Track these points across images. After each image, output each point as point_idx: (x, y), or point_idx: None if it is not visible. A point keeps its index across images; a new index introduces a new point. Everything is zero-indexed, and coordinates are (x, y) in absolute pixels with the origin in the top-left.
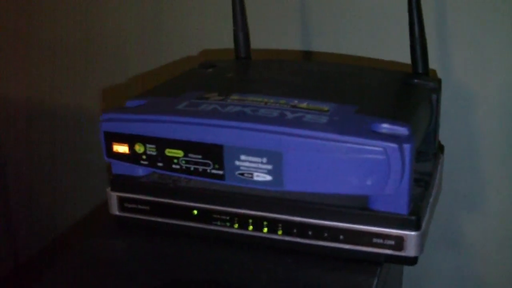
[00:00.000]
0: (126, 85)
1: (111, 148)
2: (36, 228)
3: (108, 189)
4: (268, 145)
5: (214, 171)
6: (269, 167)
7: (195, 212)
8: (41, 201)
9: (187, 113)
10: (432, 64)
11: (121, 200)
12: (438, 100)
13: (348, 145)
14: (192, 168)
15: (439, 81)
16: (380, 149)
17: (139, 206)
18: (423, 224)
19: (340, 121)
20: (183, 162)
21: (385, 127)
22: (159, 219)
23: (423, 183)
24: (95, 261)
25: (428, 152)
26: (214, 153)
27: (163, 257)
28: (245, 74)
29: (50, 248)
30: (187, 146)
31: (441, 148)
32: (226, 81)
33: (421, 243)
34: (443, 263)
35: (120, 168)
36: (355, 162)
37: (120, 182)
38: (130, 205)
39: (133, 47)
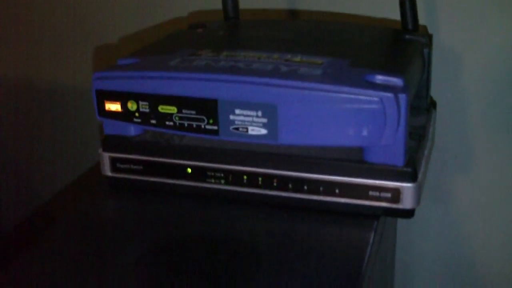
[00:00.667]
0: (116, 45)
1: (103, 106)
2: (23, 193)
3: (100, 150)
4: (263, 98)
5: (208, 127)
6: (264, 120)
7: (189, 170)
8: (31, 166)
9: (179, 68)
10: (422, 21)
11: (113, 161)
12: (429, 55)
13: (344, 95)
14: (186, 124)
15: (430, 36)
16: (376, 99)
17: (132, 166)
18: (419, 176)
19: (335, 73)
20: (177, 118)
21: (380, 78)
22: (153, 179)
23: (417, 136)
24: (89, 224)
25: (420, 107)
26: (208, 108)
27: (157, 217)
28: (236, 32)
29: (41, 213)
30: (180, 102)
31: (433, 103)
32: (218, 39)
33: (418, 195)
34: (434, 219)
35: (112, 128)
36: (351, 112)
37: (112, 142)
38: (122, 165)
39: (122, 8)
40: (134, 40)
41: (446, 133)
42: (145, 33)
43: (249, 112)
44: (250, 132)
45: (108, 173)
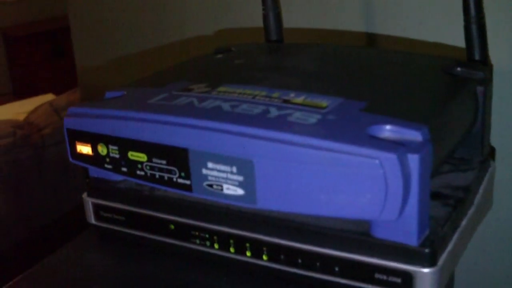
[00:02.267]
0: (138, 58)
1: (75, 148)
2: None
3: (85, 195)
4: (237, 151)
5: (180, 180)
6: (240, 178)
7: (172, 226)
8: None
9: (152, 109)
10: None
11: (97, 208)
12: (486, 94)
13: (332, 153)
14: (157, 176)
15: (489, 69)
16: (374, 160)
17: (115, 216)
18: (443, 258)
19: (333, 121)
20: (148, 167)
21: (389, 129)
22: (135, 232)
23: (452, 201)
24: (68, 279)
25: (472, 159)
26: (179, 158)
27: (139, 277)
28: (255, 60)
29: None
30: (150, 149)
31: (492, 153)
32: (228, 68)
33: (439, 282)
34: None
35: (96, 170)
36: (341, 176)
37: (96, 187)
38: (106, 214)
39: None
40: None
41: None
42: (176, 50)
43: (223, 167)
44: (225, 190)
45: (93, 221)
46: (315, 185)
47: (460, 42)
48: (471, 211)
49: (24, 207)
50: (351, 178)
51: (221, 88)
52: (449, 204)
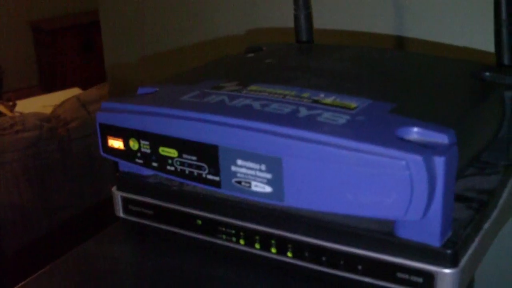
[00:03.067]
0: (167, 56)
1: (107, 142)
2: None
3: (114, 188)
4: (266, 149)
5: (209, 176)
6: (268, 176)
7: (199, 222)
8: None
9: (185, 106)
10: None
11: (126, 202)
12: None
13: (359, 154)
14: (187, 171)
15: None
16: (401, 161)
17: (143, 210)
18: (464, 259)
19: (362, 122)
20: (178, 163)
21: (416, 131)
22: (163, 226)
23: (476, 204)
24: (94, 271)
25: (497, 164)
26: (209, 155)
27: (165, 271)
28: (286, 60)
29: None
30: (181, 145)
31: None
32: (259, 68)
33: (460, 283)
34: None
35: (127, 164)
36: (368, 177)
37: (126, 181)
38: (134, 208)
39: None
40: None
41: None
42: (206, 49)
43: (251, 165)
44: (253, 188)
45: (121, 214)
46: (342, 184)
47: (489, 47)
48: (494, 214)
49: (49, 200)
50: (378, 178)
51: (252, 87)
52: (472, 207)
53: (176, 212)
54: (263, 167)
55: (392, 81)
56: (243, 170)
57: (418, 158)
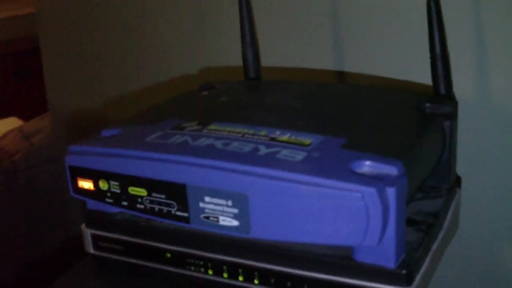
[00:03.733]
0: (121, 101)
1: (77, 183)
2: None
3: (83, 226)
4: (232, 186)
5: (178, 213)
6: (235, 211)
7: (168, 254)
8: None
9: (151, 147)
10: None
11: (95, 238)
12: (452, 127)
13: (319, 188)
14: (156, 209)
15: (455, 105)
16: (357, 194)
17: (113, 246)
18: (417, 279)
19: (318, 158)
20: (147, 201)
21: (368, 165)
22: (133, 260)
23: (424, 227)
24: None
25: (440, 187)
26: (177, 193)
27: None
28: (239, 98)
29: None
30: (150, 184)
31: (457, 181)
32: (216, 106)
33: None
34: None
35: (95, 203)
36: (327, 208)
37: (94, 219)
38: (104, 244)
39: (134, 62)
40: (145, 96)
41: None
42: (158, 89)
43: (219, 201)
44: (221, 222)
45: (91, 250)
46: (304, 216)
47: (424, 79)
48: (440, 235)
49: None
50: (336, 209)
51: (211, 126)
52: (421, 229)
53: (145, 247)
54: (229, 202)
55: (340, 115)
56: (211, 206)
57: (372, 190)
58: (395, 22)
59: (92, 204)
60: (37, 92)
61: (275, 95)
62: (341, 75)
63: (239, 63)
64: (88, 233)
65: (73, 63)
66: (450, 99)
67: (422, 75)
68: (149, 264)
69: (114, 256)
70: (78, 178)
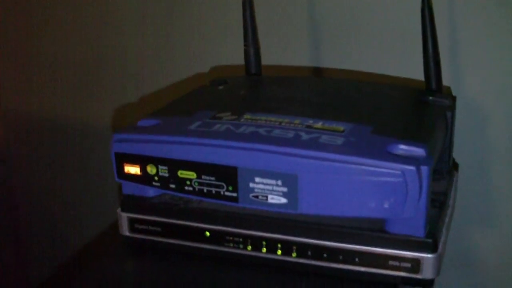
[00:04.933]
0: (136, 103)
1: (123, 169)
2: (47, 248)
3: (119, 210)
4: (283, 168)
5: (227, 193)
6: (284, 189)
7: (207, 233)
8: (54, 219)
9: (200, 134)
10: (445, 82)
11: (132, 221)
12: (453, 118)
13: (365, 167)
14: (205, 190)
15: (453, 98)
16: (398, 172)
17: (150, 227)
18: (440, 246)
19: (356, 142)
20: (196, 184)
21: (402, 148)
22: (170, 241)
23: (438, 203)
24: (105, 285)
25: (442, 170)
26: (227, 175)
27: (174, 280)
28: (257, 91)
29: (60, 271)
30: (200, 168)
31: (455, 165)
32: (239, 99)
33: (438, 265)
34: (456, 283)
35: (131, 188)
36: (372, 185)
37: (130, 203)
38: (140, 226)
39: (142, 64)
40: (155, 97)
41: (469, 190)
42: (166, 90)
43: (269, 181)
44: (269, 200)
45: (126, 233)
46: (348, 193)
47: (407, 74)
48: (449, 211)
49: None
50: (379, 186)
51: (247, 116)
52: (436, 206)
53: (183, 227)
54: (279, 182)
55: (357, 107)
56: (261, 186)
57: (412, 168)
58: (384, 20)
59: (128, 189)
60: None
61: (288, 88)
62: (321, 72)
63: (238, 62)
64: (124, 216)
65: (23, 62)
66: (440, 93)
67: (409, 71)
68: (188, 243)
69: (153, 238)
70: (124, 164)
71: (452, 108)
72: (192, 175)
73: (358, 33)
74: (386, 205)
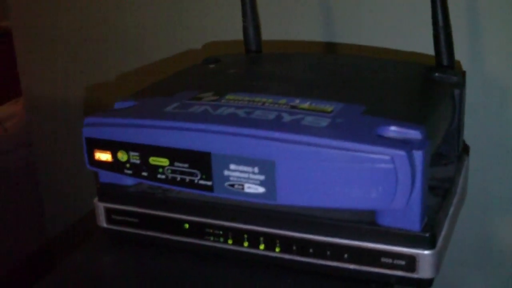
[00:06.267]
0: (124, 79)
1: (93, 155)
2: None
3: (95, 200)
4: (259, 153)
5: (201, 182)
6: (261, 177)
7: (186, 225)
8: (77, 203)
9: (173, 116)
10: (458, 55)
11: (108, 212)
12: (461, 96)
13: (348, 152)
14: (178, 178)
15: (463, 74)
16: (386, 157)
17: (127, 218)
18: (439, 241)
19: (343, 124)
20: (169, 171)
21: (394, 130)
22: (149, 233)
23: (441, 191)
24: (81, 279)
25: (450, 154)
26: (201, 162)
27: (153, 274)
28: (249, 70)
29: (34, 261)
30: (172, 154)
31: (465, 149)
32: (227, 78)
33: (437, 263)
34: (475, 271)
35: (108, 176)
36: (356, 172)
37: (107, 192)
38: (118, 217)
39: (145, 39)
40: (148, 72)
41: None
42: (160, 65)
43: (244, 168)
44: (246, 189)
45: (104, 224)
46: (332, 181)
47: (420, 48)
48: (455, 200)
49: None
50: (365, 173)
51: (229, 97)
52: (439, 194)
53: (162, 218)
54: (256, 169)
55: (354, 85)
56: (236, 173)
57: (401, 153)
58: None
59: (105, 177)
60: (10, 76)
61: (284, 66)
62: (334, 47)
63: (238, 37)
64: (101, 207)
65: (46, 47)
66: (452, 69)
67: (421, 45)
68: (167, 236)
69: (130, 229)
70: (95, 150)
71: (461, 85)
72: (164, 162)
73: (370, 5)
74: (374, 195)
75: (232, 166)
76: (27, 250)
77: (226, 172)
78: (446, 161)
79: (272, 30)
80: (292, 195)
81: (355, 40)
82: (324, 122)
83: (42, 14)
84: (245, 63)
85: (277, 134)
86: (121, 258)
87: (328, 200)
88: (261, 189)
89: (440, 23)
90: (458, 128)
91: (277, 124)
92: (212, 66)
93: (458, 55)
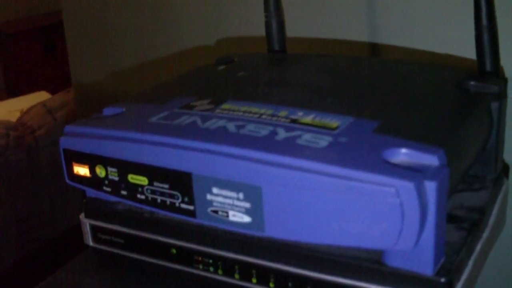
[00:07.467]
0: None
1: (72, 169)
2: None
3: (82, 215)
4: (244, 177)
5: (183, 206)
6: (247, 205)
7: (174, 250)
8: None
9: (154, 129)
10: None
11: (95, 230)
12: (501, 108)
13: (345, 181)
14: (158, 200)
15: (504, 82)
16: (390, 188)
17: (113, 238)
18: (459, 286)
19: (346, 144)
20: (148, 191)
21: (404, 153)
22: (135, 255)
23: (467, 224)
24: None
25: (485, 177)
26: (181, 182)
27: None
28: (259, 73)
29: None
30: (151, 172)
31: (505, 170)
32: (232, 82)
33: None
34: None
35: (94, 191)
36: (355, 205)
37: (94, 208)
38: (103, 236)
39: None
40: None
41: None
42: (173, 61)
43: (228, 193)
44: (231, 218)
45: (90, 242)
46: (327, 214)
47: (468, 53)
48: (485, 234)
49: (18, 209)
50: (365, 206)
51: (225, 105)
52: (463, 227)
53: (148, 241)
54: (241, 195)
55: (373, 94)
56: (220, 198)
57: (408, 184)
58: None
59: (92, 192)
60: (64, 67)
61: (300, 70)
62: (375, 48)
63: (262, 33)
64: (87, 224)
65: (95, 38)
66: (497, 76)
67: (465, 49)
68: (153, 260)
69: (115, 250)
70: (73, 163)
71: (501, 96)
72: (143, 180)
73: (411, 2)
74: (375, 233)
75: (215, 190)
76: None
77: (208, 196)
78: (479, 186)
79: (307, 27)
80: (282, 228)
81: (403, 42)
82: (324, 142)
83: (92, 5)
84: (258, 65)
85: (264, 155)
86: (102, 282)
87: (323, 236)
88: (247, 218)
89: (484, 21)
90: (495, 146)
91: (266, 143)
92: (221, 67)
93: (502, 60)
